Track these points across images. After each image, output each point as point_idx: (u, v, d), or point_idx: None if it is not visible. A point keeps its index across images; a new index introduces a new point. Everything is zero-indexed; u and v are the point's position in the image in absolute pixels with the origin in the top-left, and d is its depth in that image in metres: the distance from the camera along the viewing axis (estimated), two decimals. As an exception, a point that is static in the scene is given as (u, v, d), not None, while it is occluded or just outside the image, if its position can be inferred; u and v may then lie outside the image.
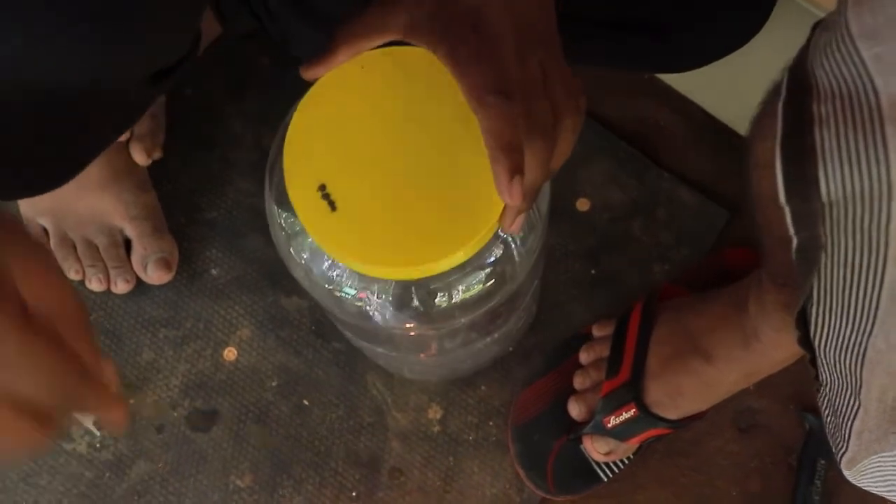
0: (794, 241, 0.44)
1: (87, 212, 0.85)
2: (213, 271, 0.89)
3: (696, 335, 0.74)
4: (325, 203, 0.50)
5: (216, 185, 0.91)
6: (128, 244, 0.87)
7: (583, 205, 0.90)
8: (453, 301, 0.56)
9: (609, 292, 0.88)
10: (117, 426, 0.38)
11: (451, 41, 0.47)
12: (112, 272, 0.86)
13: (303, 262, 0.56)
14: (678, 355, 0.75)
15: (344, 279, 0.56)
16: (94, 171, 0.84)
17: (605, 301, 0.87)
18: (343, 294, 0.57)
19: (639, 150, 0.91)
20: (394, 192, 0.50)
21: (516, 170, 0.45)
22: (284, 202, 0.51)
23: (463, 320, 0.59)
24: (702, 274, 0.86)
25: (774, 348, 0.70)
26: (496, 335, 0.74)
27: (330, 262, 0.56)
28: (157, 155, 0.88)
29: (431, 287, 0.56)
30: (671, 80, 0.93)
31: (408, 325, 0.59)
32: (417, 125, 0.51)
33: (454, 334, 0.68)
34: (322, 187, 0.50)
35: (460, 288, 0.56)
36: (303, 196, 0.50)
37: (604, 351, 0.80)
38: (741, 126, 0.90)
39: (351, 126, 0.51)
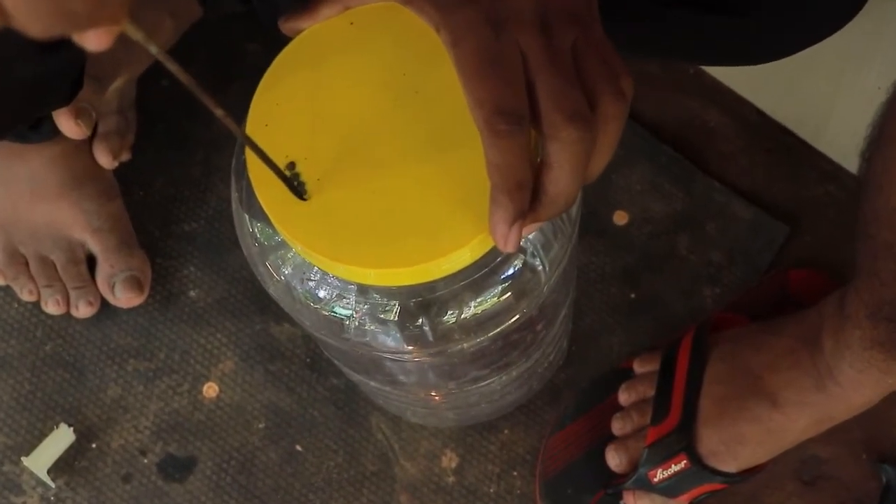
0: None
1: (43, 223, 0.82)
2: (192, 293, 0.87)
3: (759, 374, 0.72)
4: (293, 184, 0.47)
5: (196, 193, 0.89)
6: (91, 261, 0.85)
7: (620, 218, 0.88)
8: (463, 317, 0.53)
9: (651, 320, 0.86)
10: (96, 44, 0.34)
11: (458, 29, 0.44)
12: (72, 293, 0.83)
13: (283, 278, 0.54)
14: (737, 397, 0.72)
15: (334, 296, 0.53)
16: (49, 176, 0.81)
17: (647, 330, 0.85)
18: (333, 314, 0.54)
19: (683, 154, 0.89)
20: (384, 175, 0.47)
21: (519, 215, 0.43)
22: (255, 208, 0.48)
23: (467, 345, 0.56)
24: (759, 299, 0.84)
25: (854, 391, 0.68)
26: (513, 373, 0.71)
27: (318, 276, 0.53)
28: (126, 157, 0.85)
29: (436, 299, 0.53)
30: (720, 74, 0.90)
31: (410, 350, 0.56)
32: (417, 96, 0.48)
33: (463, 366, 0.66)
34: (291, 165, 0.47)
35: (470, 303, 0.53)
36: (266, 175, 0.46)
37: (647, 390, 0.77)
38: (802, 128, 0.88)
39: (334, 94, 0.48)
